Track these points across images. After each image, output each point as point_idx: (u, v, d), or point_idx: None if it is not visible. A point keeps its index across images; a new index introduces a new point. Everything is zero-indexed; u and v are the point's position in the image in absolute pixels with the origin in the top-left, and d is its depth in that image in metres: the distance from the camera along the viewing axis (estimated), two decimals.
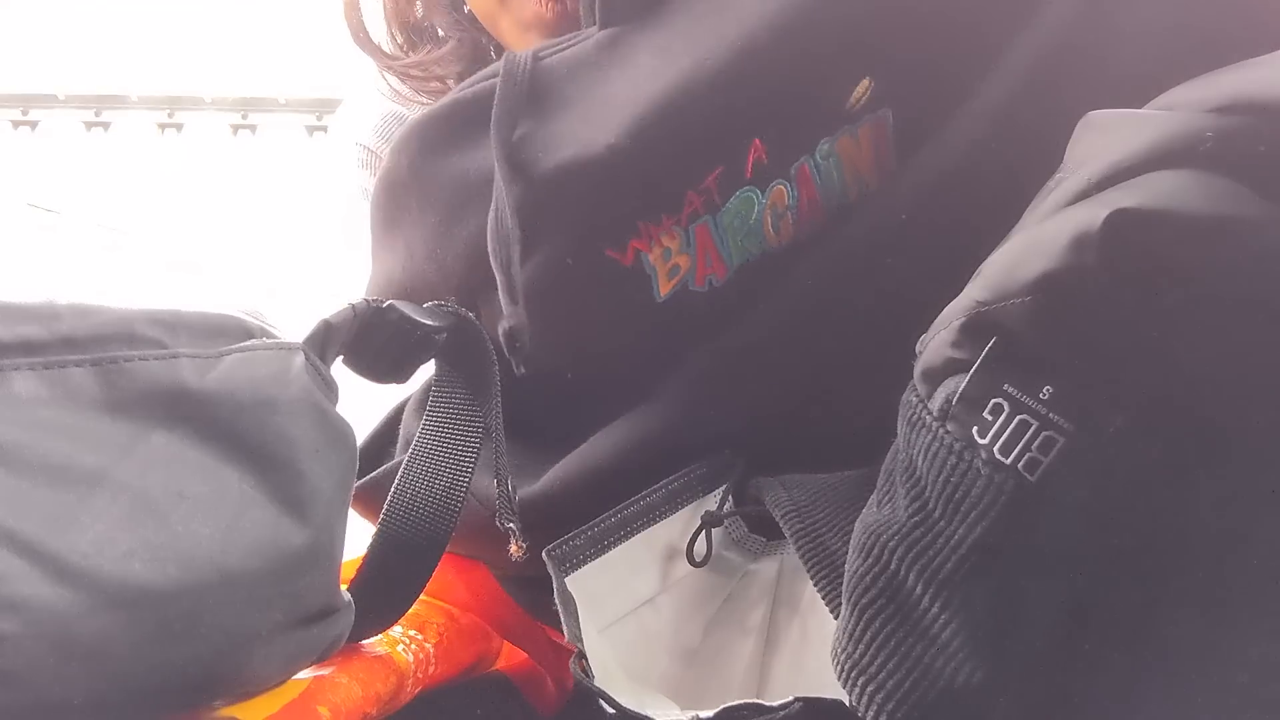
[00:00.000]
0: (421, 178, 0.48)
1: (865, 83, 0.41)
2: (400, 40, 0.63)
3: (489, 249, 0.43)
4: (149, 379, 0.28)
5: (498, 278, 0.43)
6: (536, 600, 0.46)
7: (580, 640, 0.39)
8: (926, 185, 0.42)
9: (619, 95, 0.42)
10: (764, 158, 0.41)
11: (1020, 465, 0.26)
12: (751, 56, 0.40)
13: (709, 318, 0.44)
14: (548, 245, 0.43)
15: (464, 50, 0.61)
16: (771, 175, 0.42)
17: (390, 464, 0.52)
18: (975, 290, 0.29)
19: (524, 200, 0.42)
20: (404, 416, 0.54)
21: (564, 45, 0.45)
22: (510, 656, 0.55)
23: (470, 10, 0.57)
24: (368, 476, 0.51)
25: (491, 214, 0.43)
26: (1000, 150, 0.41)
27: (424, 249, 0.49)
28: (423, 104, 0.64)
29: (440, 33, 0.62)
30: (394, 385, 0.42)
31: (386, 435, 0.58)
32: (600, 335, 0.46)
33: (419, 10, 0.62)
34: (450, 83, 0.62)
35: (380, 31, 0.63)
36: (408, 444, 0.52)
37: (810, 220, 0.43)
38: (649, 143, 0.41)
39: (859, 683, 0.30)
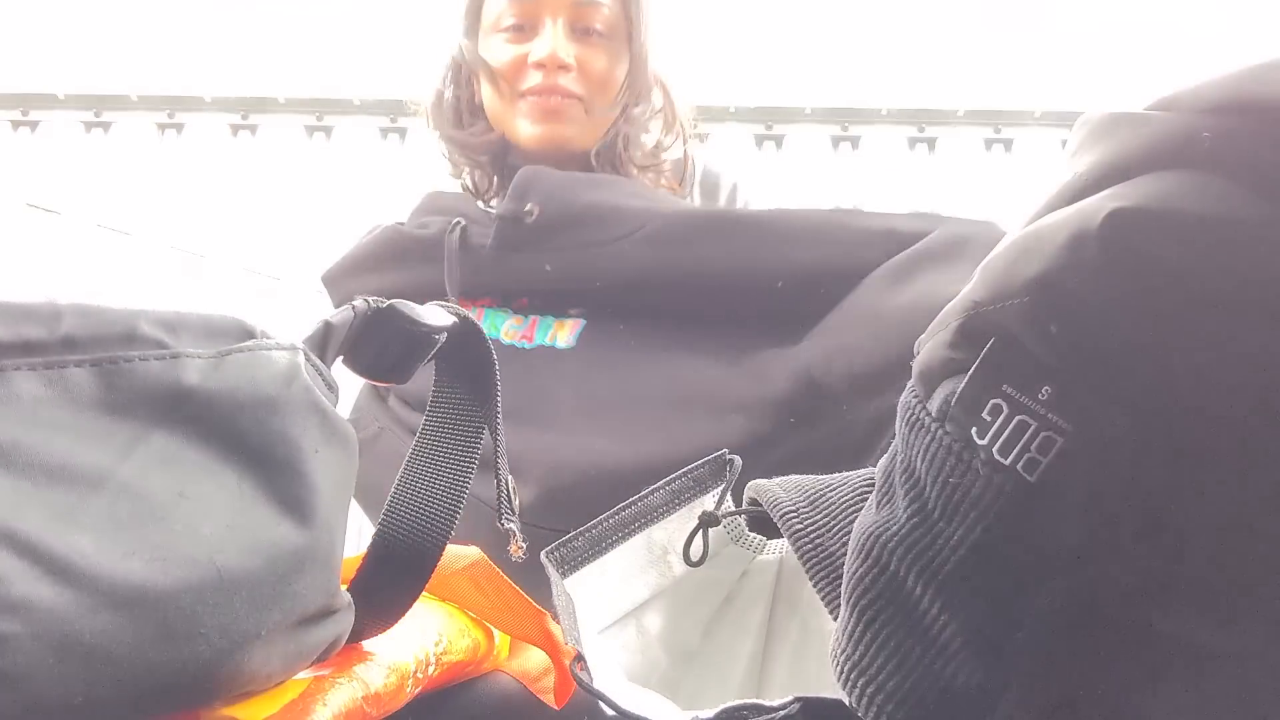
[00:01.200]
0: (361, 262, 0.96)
1: (576, 311, 0.87)
2: (452, 124, 1.02)
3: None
4: (149, 379, 0.28)
5: None
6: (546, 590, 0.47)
7: (580, 642, 0.39)
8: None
9: None
10: (524, 305, 0.89)
11: (1019, 466, 0.26)
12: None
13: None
14: None
15: (490, 141, 0.98)
16: (519, 314, 0.89)
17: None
18: (973, 291, 0.29)
19: None
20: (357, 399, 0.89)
21: None
22: (512, 655, 0.54)
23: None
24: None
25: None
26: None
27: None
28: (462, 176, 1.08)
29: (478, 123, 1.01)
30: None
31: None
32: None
33: (466, 107, 1.02)
34: (477, 159, 1.01)
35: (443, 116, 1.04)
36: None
37: (524, 340, 0.87)
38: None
39: (859, 684, 0.30)
